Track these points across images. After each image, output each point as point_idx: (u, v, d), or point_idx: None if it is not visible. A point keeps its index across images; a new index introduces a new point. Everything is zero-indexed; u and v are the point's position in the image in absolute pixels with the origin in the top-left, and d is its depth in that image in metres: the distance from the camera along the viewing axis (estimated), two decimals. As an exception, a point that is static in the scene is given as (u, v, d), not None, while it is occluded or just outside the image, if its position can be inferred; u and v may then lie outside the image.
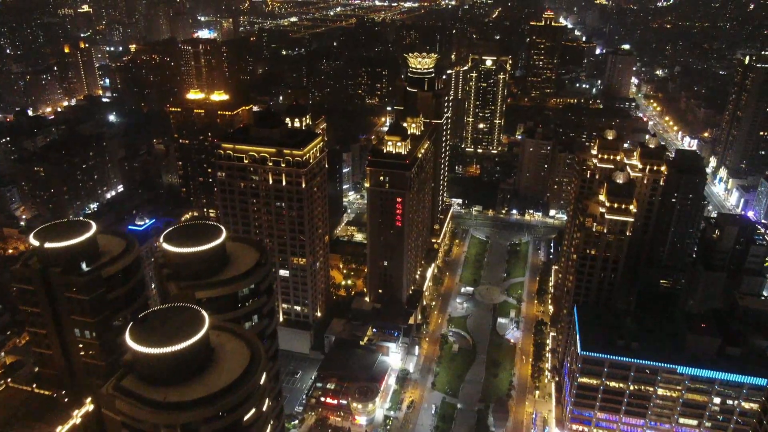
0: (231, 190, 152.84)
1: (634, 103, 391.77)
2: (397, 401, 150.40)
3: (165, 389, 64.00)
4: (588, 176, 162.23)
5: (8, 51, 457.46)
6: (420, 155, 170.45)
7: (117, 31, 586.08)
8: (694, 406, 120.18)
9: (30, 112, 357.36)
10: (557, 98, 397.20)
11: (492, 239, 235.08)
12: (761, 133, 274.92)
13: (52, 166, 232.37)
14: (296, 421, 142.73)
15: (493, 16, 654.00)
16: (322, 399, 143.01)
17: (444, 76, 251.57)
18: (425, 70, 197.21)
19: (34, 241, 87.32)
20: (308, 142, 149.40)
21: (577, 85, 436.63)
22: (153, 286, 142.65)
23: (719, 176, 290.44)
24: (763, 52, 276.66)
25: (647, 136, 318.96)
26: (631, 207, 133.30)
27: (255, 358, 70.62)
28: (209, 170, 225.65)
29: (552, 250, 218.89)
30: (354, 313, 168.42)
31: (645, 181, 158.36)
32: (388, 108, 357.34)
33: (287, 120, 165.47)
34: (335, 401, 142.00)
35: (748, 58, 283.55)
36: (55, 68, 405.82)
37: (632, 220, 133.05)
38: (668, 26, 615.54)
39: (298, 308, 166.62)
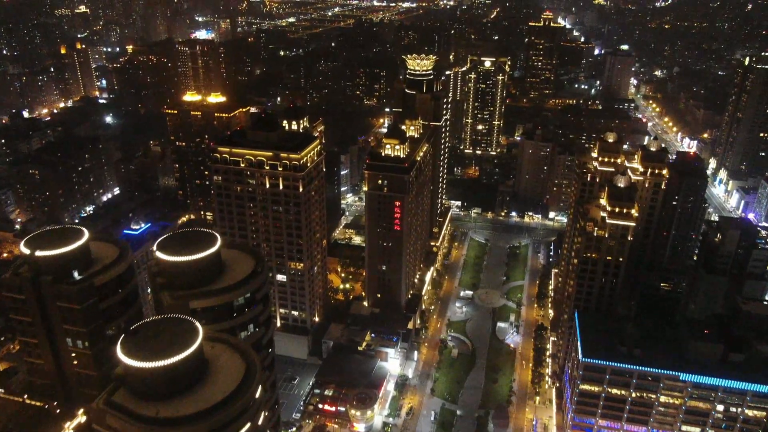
0: (227, 194, 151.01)
1: (633, 104, 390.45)
2: (395, 408, 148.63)
3: (158, 404, 62.20)
4: (588, 179, 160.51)
5: (4, 52, 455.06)
6: (419, 158, 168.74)
7: (114, 31, 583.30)
8: (697, 414, 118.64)
9: (26, 114, 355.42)
10: (556, 99, 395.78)
11: (491, 242, 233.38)
12: (761, 135, 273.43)
13: (47, 168, 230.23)
14: (293, 429, 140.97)
15: (492, 17, 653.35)
16: (320, 406, 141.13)
17: (443, 77, 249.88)
18: (424, 72, 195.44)
19: (24, 249, 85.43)
20: (305, 145, 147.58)
21: (576, 85, 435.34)
22: (149, 290, 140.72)
23: (719, 178, 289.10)
24: (763, 53, 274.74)
25: (648, 139, 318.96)
26: (633, 211, 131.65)
27: (250, 371, 68.80)
28: (206, 173, 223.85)
29: (552, 253, 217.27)
30: (352, 317, 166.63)
31: (646, 185, 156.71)
32: (387, 109, 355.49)
33: (284, 122, 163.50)
34: (333, 408, 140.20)
35: (748, 59, 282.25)
36: (52, 69, 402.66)
37: (634, 224, 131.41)
38: (667, 26, 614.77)
39: (295, 313, 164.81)
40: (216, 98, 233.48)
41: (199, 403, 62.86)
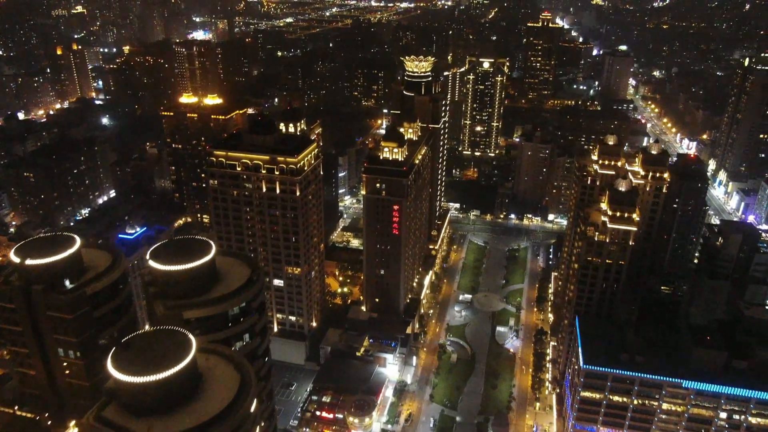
0: (224, 199, 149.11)
1: (632, 105, 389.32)
2: (394, 414, 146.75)
3: (150, 419, 60.48)
4: (588, 182, 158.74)
5: (0, 53, 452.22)
6: (417, 161, 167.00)
7: (111, 32, 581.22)
8: (700, 421, 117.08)
9: (22, 115, 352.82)
10: (555, 100, 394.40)
11: (490, 245, 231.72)
12: (761, 136, 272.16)
13: (42, 171, 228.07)
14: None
15: (490, 17, 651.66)
16: (318, 413, 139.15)
17: (441, 78, 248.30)
18: (422, 74, 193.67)
19: (14, 258, 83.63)
20: (303, 148, 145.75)
21: (575, 86, 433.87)
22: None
23: (719, 179, 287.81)
24: (762, 54, 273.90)
25: (647, 140, 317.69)
26: (634, 215, 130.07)
27: (245, 384, 67.07)
28: (203, 175, 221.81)
29: (551, 256, 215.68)
30: (350, 323, 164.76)
31: (647, 189, 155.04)
32: (385, 110, 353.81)
33: (281, 125, 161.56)
34: (331, 415, 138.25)
35: (747, 60, 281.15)
36: (48, 70, 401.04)
37: (635, 229, 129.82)
38: (664, 27, 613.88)
39: (292, 318, 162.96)
40: (212, 100, 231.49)
41: (193, 418, 61.14)
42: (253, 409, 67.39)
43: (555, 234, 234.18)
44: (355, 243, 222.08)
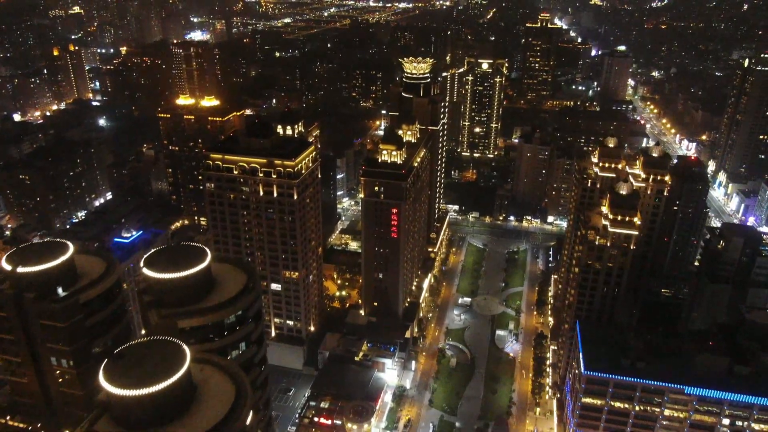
0: (220, 202, 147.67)
1: (631, 106, 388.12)
2: (393, 420, 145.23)
3: (143, 433, 58.95)
4: (589, 185, 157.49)
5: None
6: (416, 164, 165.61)
7: (108, 32, 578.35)
8: (703, 428, 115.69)
9: (19, 117, 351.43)
10: (553, 101, 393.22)
11: (489, 247, 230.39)
12: (761, 137, 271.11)
13: (38, 173, 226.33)
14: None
15: (488, 17, 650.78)
16: (316, 419, 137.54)
17: (439, 79, 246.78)
18: (421, 75, 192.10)
19: (6, 265, 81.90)
20: (300, 151, 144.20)
21: (573, 87, 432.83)
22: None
23: (718, 180, 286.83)
24: (762, 55, 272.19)
25: (648, 142, 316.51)
26: (635, 219, 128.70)
27: (241, 396, 65.55)
28: (200, 177, 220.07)
29: (551, 259, 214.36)
30: (348, 327, 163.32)
31: (648, 192, 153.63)
32: (383, 111, 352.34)
33: (279, 127, 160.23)
34: (329, 421, 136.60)
35: (747, 60, 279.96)
36: (45, 71, 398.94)
37: (637, 233, 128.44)
38: (663, 27, 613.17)
39: (290, 323, 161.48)
40: (209, 102, 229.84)
41: (188, 431, 59.61)
42: (249, 421, 65.89)
43: (554, 236, 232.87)
44: (354, 245, 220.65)
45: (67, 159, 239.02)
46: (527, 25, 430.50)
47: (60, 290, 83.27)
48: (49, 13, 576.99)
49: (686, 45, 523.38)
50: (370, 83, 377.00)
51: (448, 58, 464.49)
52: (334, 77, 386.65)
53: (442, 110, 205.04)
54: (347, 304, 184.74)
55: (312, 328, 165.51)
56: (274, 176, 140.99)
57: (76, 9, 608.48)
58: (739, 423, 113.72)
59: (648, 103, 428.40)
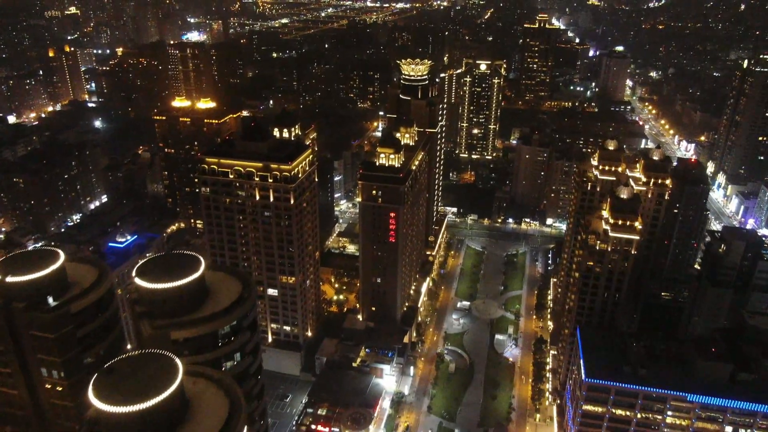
0: (216, 207, 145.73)
1: (629, 107, 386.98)
2: (391, 427, 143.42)
3: (134, 451, 57.09)
4: (588, 189, 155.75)
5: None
6: (414, 167, 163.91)
7: (105, 33, 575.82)
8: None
9: (14, 118, 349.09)
10: (551, 101, 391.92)
11: (488, 249, 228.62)
12: (760, 139, 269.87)
13: (32, 176, 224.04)
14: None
15: (486, 17, 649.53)
16: (313, 426, 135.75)
17: (437, 81, 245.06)
18: (419, 77, 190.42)
19: (-6, 275, 79.92)
20: (297, 155, 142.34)
21: (571, 87, 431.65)
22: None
23: (717, 182, 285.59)
24: (761, 56, 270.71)
25: (647, 143, 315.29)
26: (636, 224, 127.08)
27: (234, 409, 63.80)
28: (196, 180, 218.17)
29: (550, 262, 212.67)
30: (346, 332, 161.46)
31: (649, 195, 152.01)
32: (381, 112, 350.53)
33: (275, 130, 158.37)
34: (327, 429, 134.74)
35: (746, 61, 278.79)
36: (40, 72, 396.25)
37: (638, 238, 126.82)
38: (660, 27, 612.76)
39: (287, 328, 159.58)
40: (205, 104, 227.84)
41: (179, 449, 57.96)
42: (243, 436, 64.17)
43: (553, 239, 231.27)
44: (351, 249, 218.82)
45: (61, 162, 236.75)
46: (525, 25, 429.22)
47: (50, 300, 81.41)
48: (45, 14, 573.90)
49: (684, 45, 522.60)
50: (368, 84, 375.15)
51: (445, 58, 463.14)
52: (331, 78, 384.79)
53: (441, 112, 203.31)
54: (345, 309, 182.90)
55: (309, 334, 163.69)
56: (270, 180, 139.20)
57: (73, 9, 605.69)
58: (742, 430, 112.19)
59: (646, 103, 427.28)
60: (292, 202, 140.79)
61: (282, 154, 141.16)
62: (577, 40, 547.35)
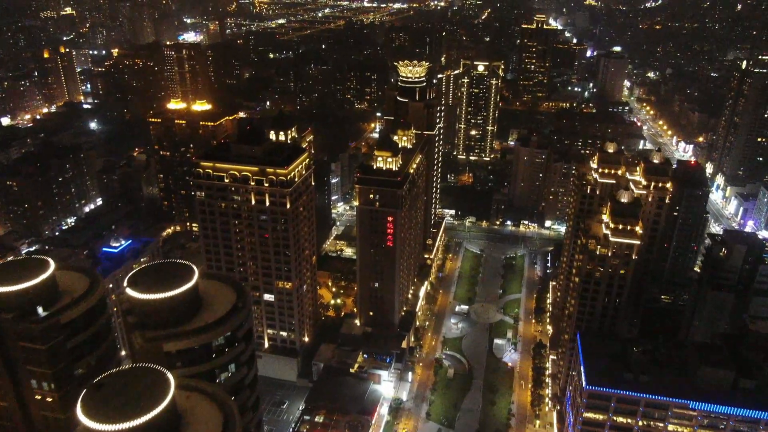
0: (211, 211, 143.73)
1: (627, 107, 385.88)
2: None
3: (123, 470, 55.17)
4: (588, 192, 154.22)
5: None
6: (412, 170, 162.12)
7: (100, 34, 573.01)
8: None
9: (8, 120, 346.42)
10: (549, 102, 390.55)
11: (486, 252, 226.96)
12: (759, 140, 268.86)
13: (26, 179, 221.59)
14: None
15: (483, 18, 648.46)
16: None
17: (435, 82, 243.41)
18: (416, 79, 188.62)
19: (-18, 285, 77.88)
20: (293, 159, 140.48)
21: (569, 88, 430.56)
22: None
23: (716, 183, 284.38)
24: (760, 57, 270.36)
25: (645, 144, 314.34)
26: (637, 228, 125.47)
27: (228, 424, 62.14)
28: (191, 183, 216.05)
29: (549, 264, 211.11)
30: (343, 338, 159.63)
31: (650, 199, 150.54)
32: (378, 113, 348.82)
33: (272, 133, 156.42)
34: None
35: (745, 62, 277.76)
36: (35, 73, 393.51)
37: (639, 242, 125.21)
38: (657, 27, 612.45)
39: (284, 334, 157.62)
40: (201, 106, 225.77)
41: (172, 466, 56.19)
42: (237, 452, 62.35)
43: (552, 241, 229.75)
44: (349, 252, 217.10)
45: (55, 165, 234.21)
46: (523, 26, 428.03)
47: (40, 310, 79.46)
48: (40, 14, 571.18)
49: (681, 45, 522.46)
50: (365, 85, 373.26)
51: (443, 59, 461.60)
52: (328, 79, 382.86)
53: (439, 114, 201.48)
54: (342, 313, 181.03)
55: (306, 339, 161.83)
56: (266, 185, 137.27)
57: (68, 10, 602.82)
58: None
59: (644, 104, 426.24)
60: (288, 206, 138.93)
61: (278, 157, 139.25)
62: (575, 41, 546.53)
